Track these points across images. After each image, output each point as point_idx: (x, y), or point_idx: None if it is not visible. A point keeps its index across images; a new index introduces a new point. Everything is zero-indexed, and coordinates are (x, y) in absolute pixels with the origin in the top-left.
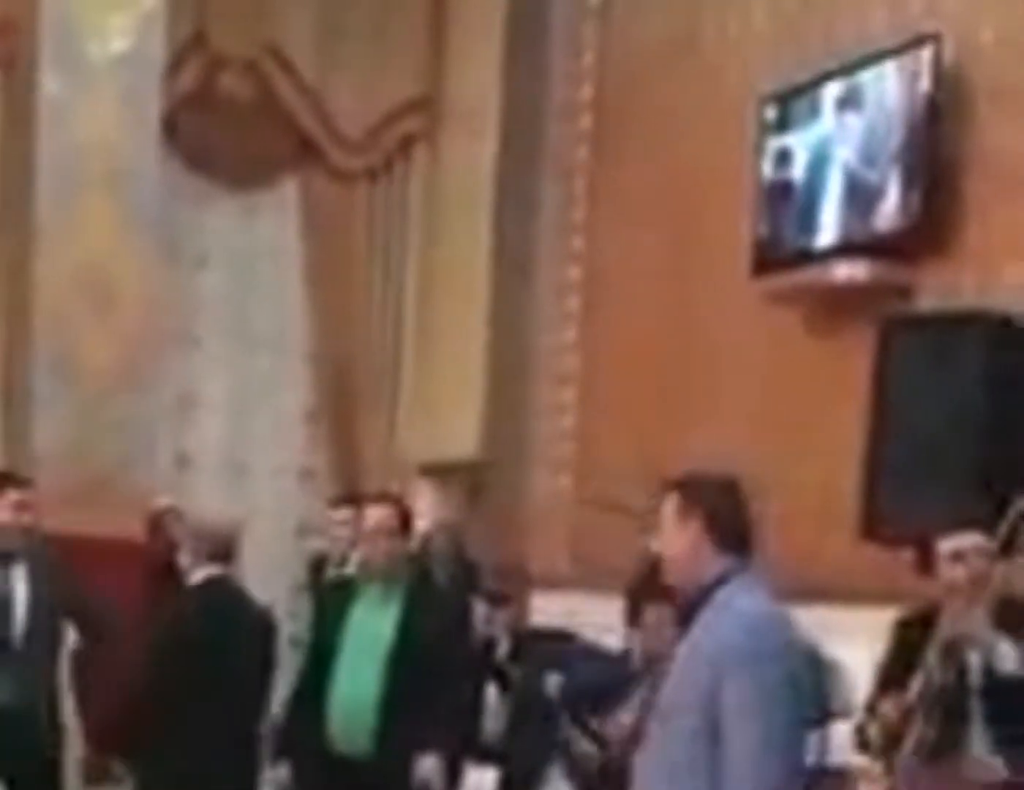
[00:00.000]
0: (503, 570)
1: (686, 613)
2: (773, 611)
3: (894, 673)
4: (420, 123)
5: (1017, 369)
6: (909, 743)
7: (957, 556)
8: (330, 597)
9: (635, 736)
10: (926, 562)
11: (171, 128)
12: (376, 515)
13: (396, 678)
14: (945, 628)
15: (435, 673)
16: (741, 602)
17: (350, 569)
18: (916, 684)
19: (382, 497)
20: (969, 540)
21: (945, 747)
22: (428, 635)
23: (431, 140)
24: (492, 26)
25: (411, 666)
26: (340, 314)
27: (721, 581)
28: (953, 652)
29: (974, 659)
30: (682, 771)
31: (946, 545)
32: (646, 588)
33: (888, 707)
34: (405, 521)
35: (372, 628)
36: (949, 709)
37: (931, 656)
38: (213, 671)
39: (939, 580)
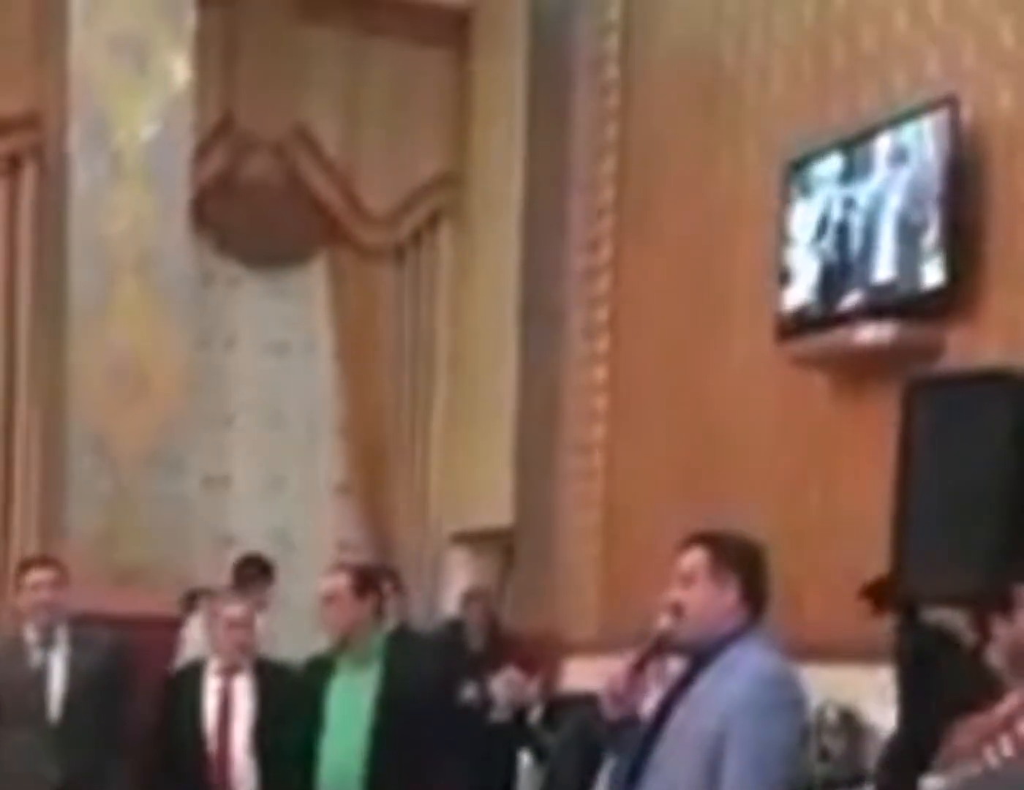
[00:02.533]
0: (536, 637)
1: (691, 668)
2: (781, 667)
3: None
4: (446, 199)
5: None
6: None
7: None
8: (310, 675)
9: None
10: (880, 606)
11: (200, 211)
12: (327, 584)
13: (381, 746)
14: None
15: (421, 734)
16: (751, 659)
17: None
18: (1000, 753)
19: (334, 566)
20: None
21: None
22: (410, 695)
23: (457, 216)
24: (514, 101)
25: (395, 732)
26: (370, 389)
27: (732, 638)
28: None
29: None
30: None
31: None
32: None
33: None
34: (363, 585)
35: (352, 699)
36: None
37: None
38: None
39: (1013, 629)
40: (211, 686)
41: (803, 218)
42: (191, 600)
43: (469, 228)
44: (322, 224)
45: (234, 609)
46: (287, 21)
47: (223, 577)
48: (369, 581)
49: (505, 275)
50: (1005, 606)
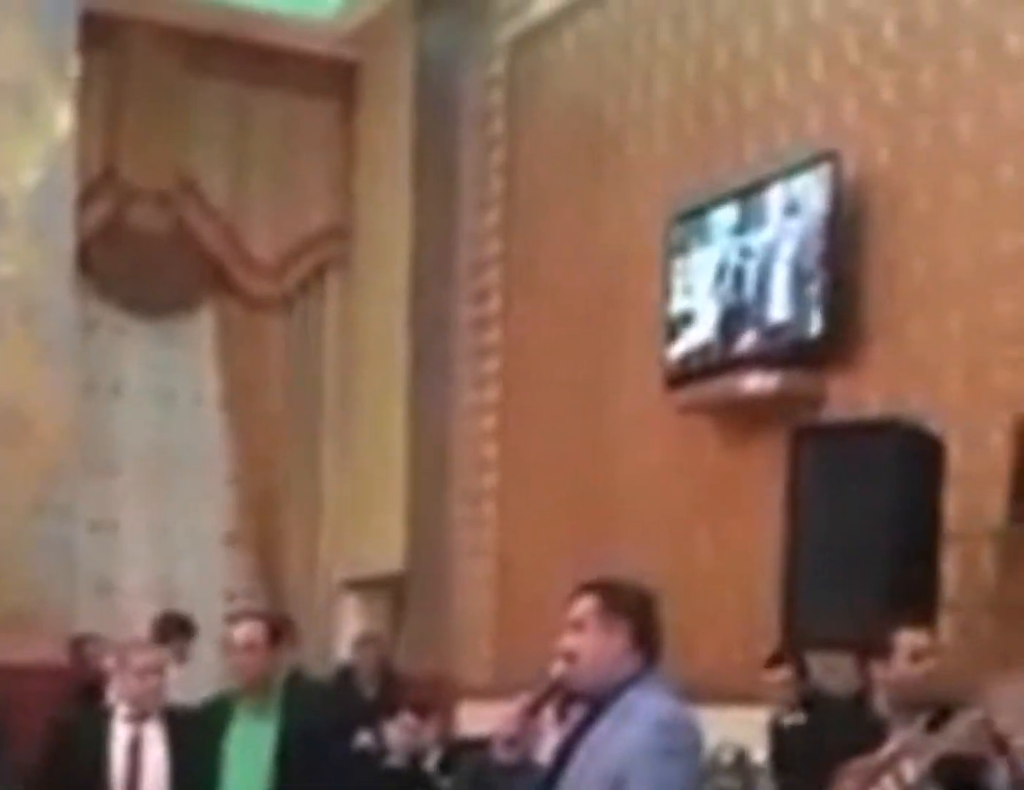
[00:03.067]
0: (430, 682)
1: (590, 713)
2: (679, 711)
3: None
4: (333, 250)
5: (927, 474)
6: None
7: (918, 655)
8: (214, 715)
9: None
10: (865, 667)
11: (85, 259)
12: (243, 632)
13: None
14: (926, 742)
15: (319, 781)
16: (648, 704)
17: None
18: None
19: (246, 613)
20: (927, 640)
21: None
22: (307, 742)
23: (345, 267)
24: (401, 154)
25: (293, 779)
26: (259, 438)
27: (628, 684)
28: (946, 769)
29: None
30: None
31: (909, 641)
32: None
33: None
34: (273, 634)
35: (251, 746)
36: None
37: (912, 769)
38: None
39: (893, 674)
40: (119, 734)
41: (687, 271)
42: (77, 647)
43: (357, 279)
44: (209, 273)
45: (145, 657)
46: (172, 70)
47: (107, 624)
48: (281, 630)
49: (393, 326)
50: (884, 652)
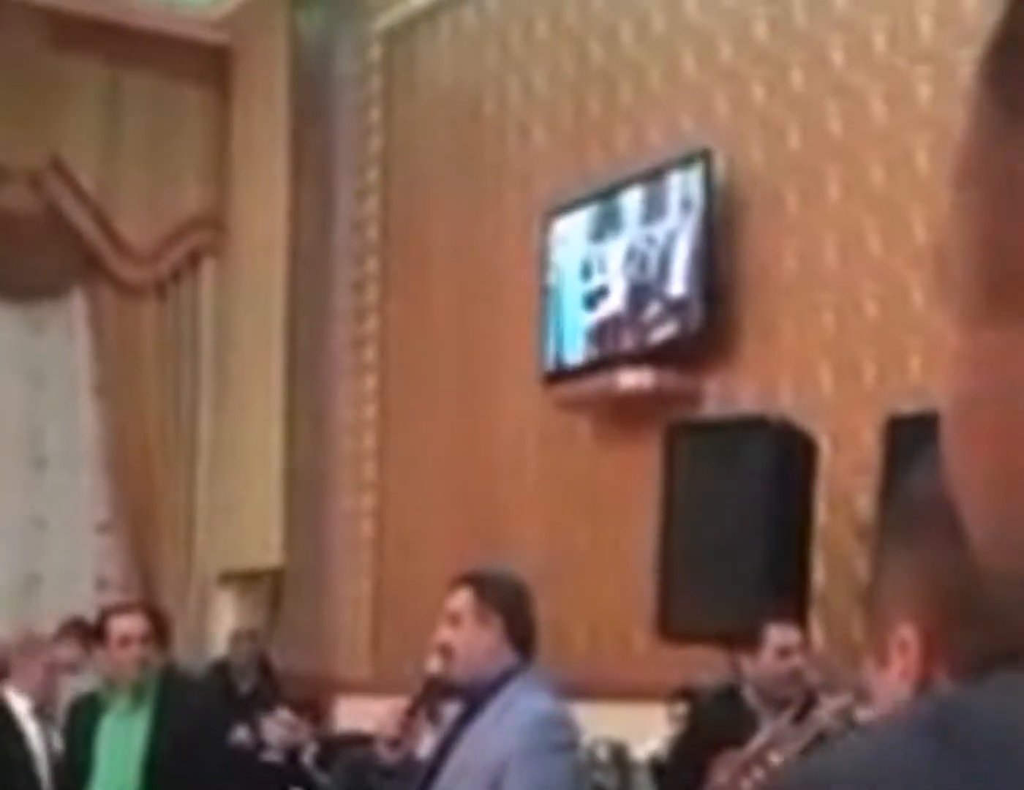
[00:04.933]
0: (307, 677)
1: (467, 710)
2: (557, 709)
3: (693, 754)
4: (207, 238)
5: (798, 471)
6: None
7: (785, 651)
8: (76, 715)
9: None
10: (735, 661)
11: None
12: (126, 625)
13: (152, 788)
14: (792, 733)
15: (193, 776)
16: (526, 700)
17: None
18: (755, 784)
19: (128, 606)
20: (795, 636)
21: None
22: (181, 737)
23: (219, 254)
24: (277, 141)
25: (167, 774)
26: (132, 426)
27: (505, 679)
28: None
29: None
30: None
31: (777, 637)
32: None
33: None
34: (159, 628)
35: (122, 741)
36: None
37: (777, 760)
38: None
39: (761, 668)
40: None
41: (563, 266)
42: None
43: (232, 267)
44: (80, 258)
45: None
46: (42, 50)
47: None
48: (163, 624)
49: (269, 314)
50: (752, 646)
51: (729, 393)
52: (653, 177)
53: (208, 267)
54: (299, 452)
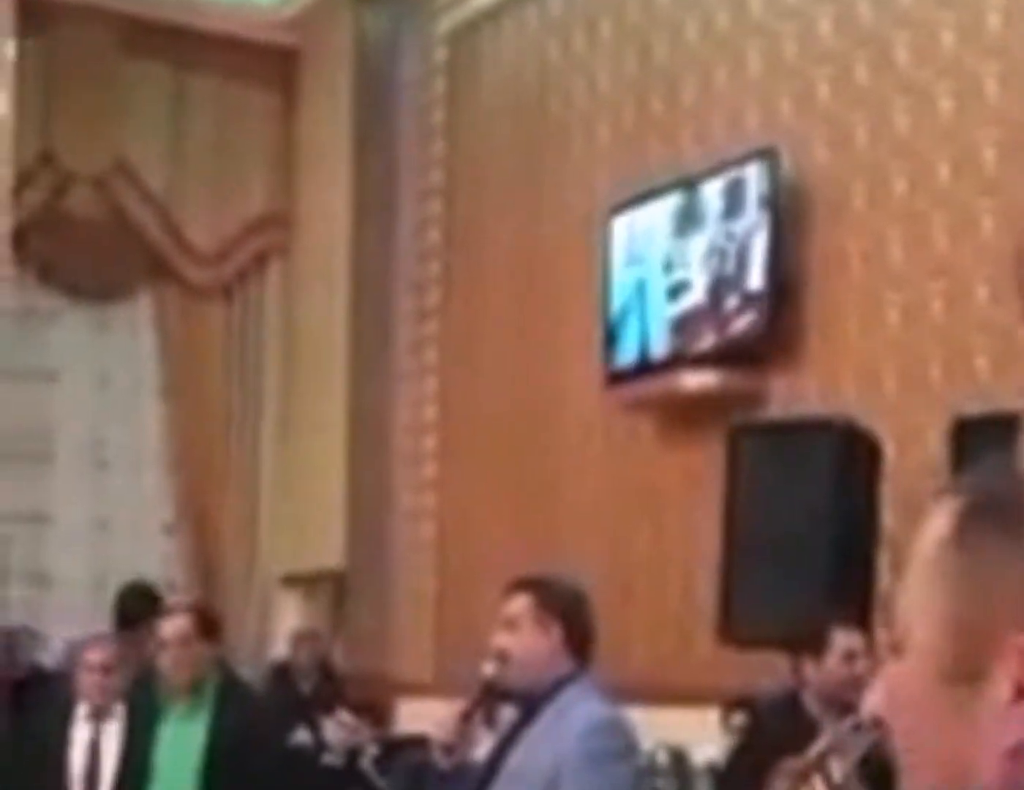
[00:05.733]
0: (368, 679)
1: (523, 715)
2: (614, 715)
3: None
4: (273, 238)
5: (863, 473)
6: None
7: (850, 656)
8: (139, 717)
9: None
10: (798, 666)
11: (21, 243)
12: (174, 626)
13: None
14: (853, 739)
15: (252, 780)
16: (583, 706)
17: None
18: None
19: (179, 606)
20: (860, 641)
21: None
22: (239, 744)
23: (284, 255)
24: (341, 142)
25: (226, 779)
26: (198, 427)
27: (562, 685)
28: (871, 765)
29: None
30: None
31: (842, 642)
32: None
33: None
34: (207, 628)
35: (182, 746)
36: None
37: (838, 768)
38: None
39: (825, 674)
40: (79, 734)
41: (628, 264)
42: (6, 641)
43: (297, 267)
44: (147, 259)
45: (94, 654)
46: (109, 54)
47: (40, 617)
48: (213, 623)
49: (334, 316)
50: (816, 650)
51: (793, 393)
52: (714, 174)
53: (274, 268)
54: (361, 454)
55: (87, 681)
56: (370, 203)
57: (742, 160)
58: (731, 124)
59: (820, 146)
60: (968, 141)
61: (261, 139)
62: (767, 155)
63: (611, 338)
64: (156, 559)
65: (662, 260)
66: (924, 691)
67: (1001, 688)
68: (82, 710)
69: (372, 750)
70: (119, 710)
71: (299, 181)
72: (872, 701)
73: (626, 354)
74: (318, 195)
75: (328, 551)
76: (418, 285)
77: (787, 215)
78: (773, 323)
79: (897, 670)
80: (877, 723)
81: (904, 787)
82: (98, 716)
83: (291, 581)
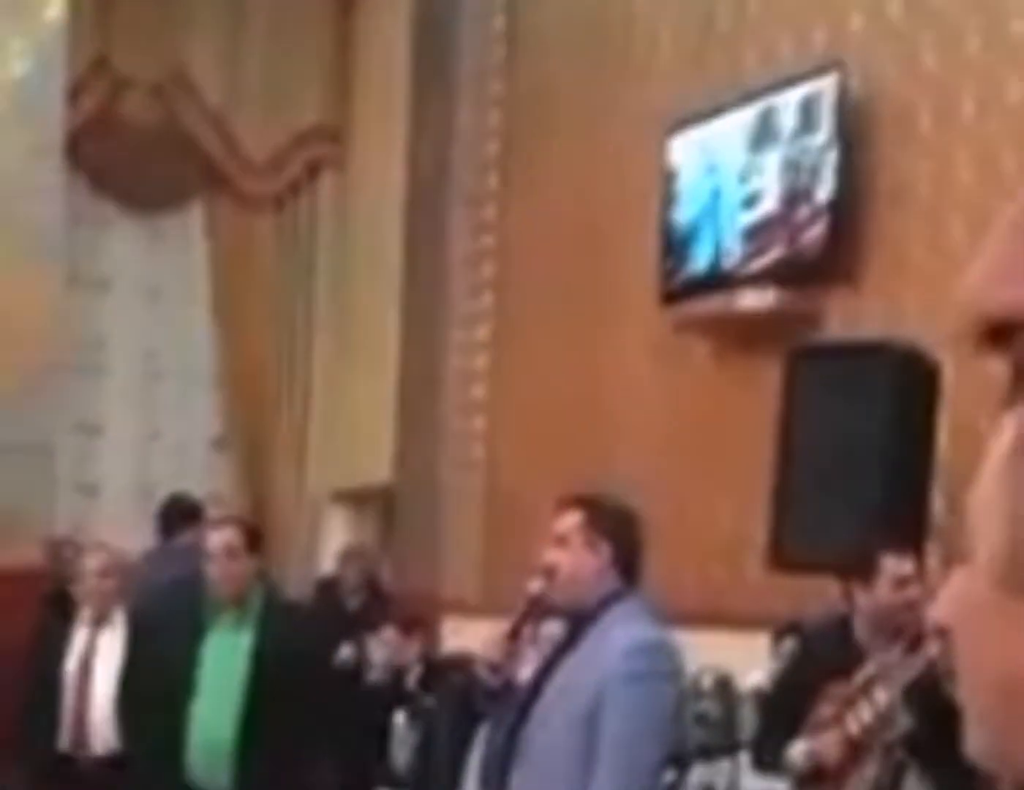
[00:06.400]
0: (415, 597)
1: (568, 635)
2: (659, 636)
3: (800, 686)
4: (327, 149)
5: (921, 399)
6: (857, 785)
7: (901, 582)
8: (181, 626)
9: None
10: (849, 591)
11: (74, 151)
12: (221, 538)
13: (255, 710)
14: (900, 665)
15: (296, 695)
16: (628, 626)
17: None
18: (859, 718)
19: (225, 519)
20: (911, 566)
21: None
22: (283, 657)
23: (339, 166)
24: (397, 53)
25: (270, 693)
26: (248, 340)
27: (608, 604)
28: (918, 692)
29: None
30: (556, 787)
31: (893, 567)
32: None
33: (828, 738)
34: (252, 540)
35: (226, 659)
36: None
37: (884, 694)
38: None
39: (875, 599)
40: (78, 638)
41: (687, 182)
42: (54, 550)
43: (351, 180)
44: (200, 169)
45: (92, 559)
46: None
47: (88, 528)
48: (258, 537)
49: (388, 230)
50: (866, 576)
51: (854, 316)
52: (780, 90)
53: (327, 179)
54: (412, 372)
55: (85, 587)
56: (427, 113)
57: (808, 76)
58: (797, 40)
59: (888, 64)
60: None
61: (317, 50)
62: (835, 69)
63: (682, 247)
64: (204, 473)
65: (738, 171)
66: (986, 601)
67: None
68: (85, 615)
69: (417, 669)
70: (119, 617)
71: (355, 93)
72: (936, 609)
73: (698, 262)
74: (374, 105)
75: (377, 468)
76: (475, 198)
77: (854, 133)
78: (835, 242)
79: (961, 578)
80: (940, 633)
81: (963, 708)
82: (97, 622)
83: (340, 497)
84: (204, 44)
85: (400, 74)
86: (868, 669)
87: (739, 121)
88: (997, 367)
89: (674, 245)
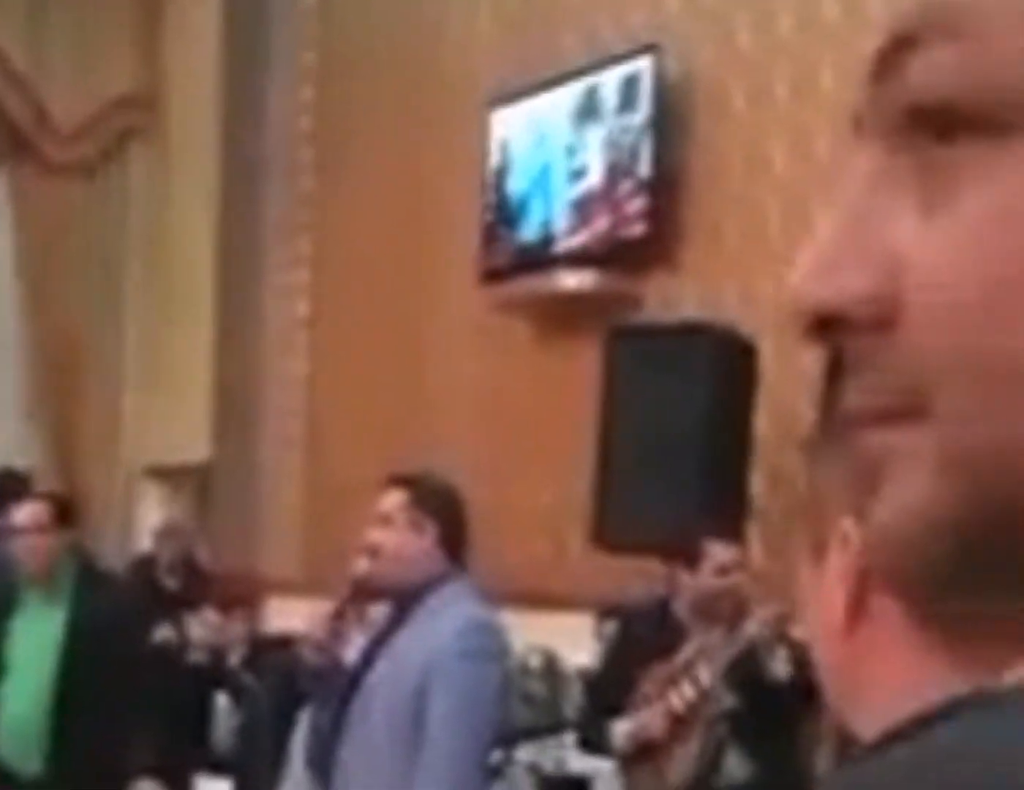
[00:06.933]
0: (235, 576)
1: (394, 615)
2: (487, 615)
3: (622, 667)
4: (137, 117)
5: (739, 381)
6: (681, 761)
7: (724, 569)
8: None
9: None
10: (672, 574)
11: None
12: (27, 513)
13: (67, 689)
14: (721, 645)
15: (112, 675)
16: (456, 606)
17: None
18: (682, 696)
19: (33, 494)
20: (734, 553)
21: (706, 770)
22: (99, 634)
23: (150, 135)
24: (210, 19)
25: (84, 673)
26: (57, 309)
27: (435, 584)
28: (739, 670)
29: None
30: (382, 768)
31: (717, 553)
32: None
33: (651, 715)
34: (62, 514)
35: (37, 636)
36: (730, 730)
37: (706, 672)
38: None
39: (698, 584)
40: None
41: (505, 159)
42: None
43: (163, 149)
44: (5, 137)
45: None
46: None
47: None
48: (69, 511)
49: (201, 199)
50: (691, 559)
51: (672, 297)
52: (597, 70)
53: (138, 149)
54: (229, 346)
55: None
56: (240, 86)
57: (625, 57)
58: (615, 21)
59: (704, 46)
60: (853, 46)
61: (127, 14)
62: (651, 51)
63: (512, 218)
64: (13, 445)
65: (540, 156)
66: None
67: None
68: None
69: (239, 649)
70: None
71: (166, 62)
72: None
73: (501, 253)
74: (186, 76)
75: (194, 445)
76: (290, 170)
77: (670, 114)
78: (654, 224)
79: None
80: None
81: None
82: None
83: (156, 473)
84: (8, 9)
85: (212, 44)
86: (690, 648)
87: (564, 96)
88: (813, 357)
89: (503, 218)
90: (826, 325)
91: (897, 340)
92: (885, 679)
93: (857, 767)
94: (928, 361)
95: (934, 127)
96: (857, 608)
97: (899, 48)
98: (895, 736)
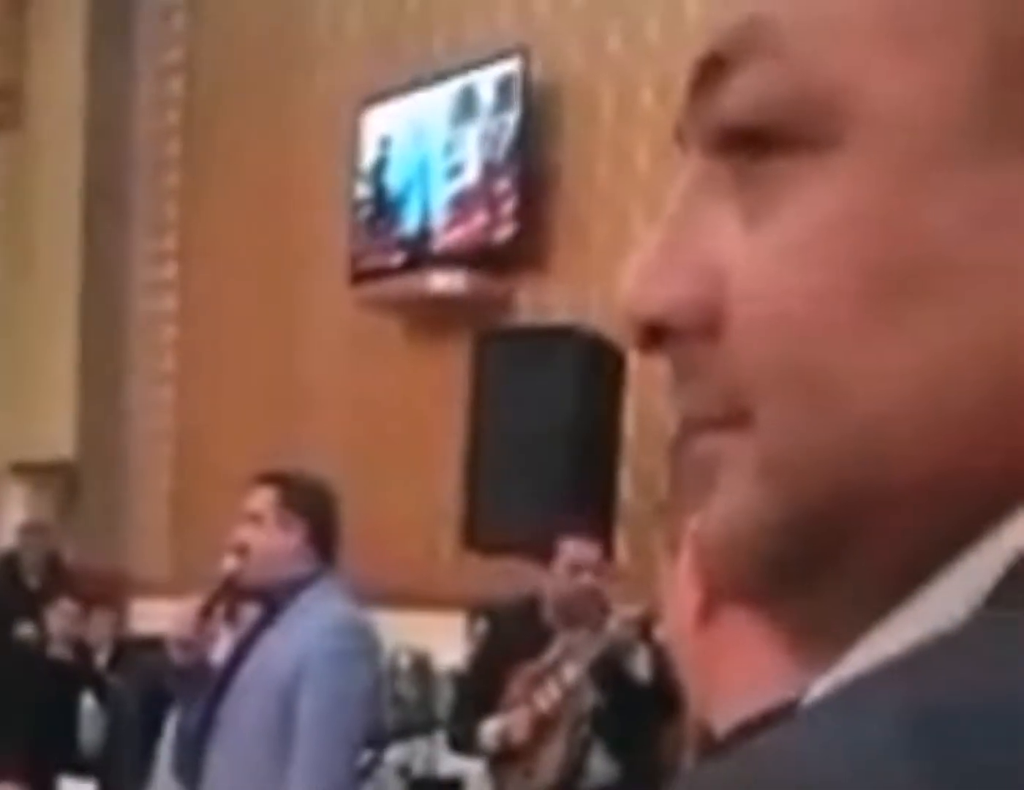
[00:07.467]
0: (101, 576)
1: (264, 615)
2: (356, 615)
3: (492, 667)
4: (1, 107)
5: (607, 384)
6: (547, 763)
7: (577, 567)
8: None
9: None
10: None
11: None
12: None
13: None
14: (586, 645)
15: None
16: (325, 606)
17: None
18: (548, 696)
19: None
20: (589, 552)
21: (571, 772)
22: None
23: (14, 125)
24: (75, 11)
25: None
26: None
27: (304, 583)
28: (602, 669)
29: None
30: (252, 769)
31: (571, 552)
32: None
33: (516, 716)
34: None
35: None
36: (593, 729)
37: (571, 671)
38: None
39: (553, 580)
40: None
41: (377, 160)
42: None
43: (27, 140)
44: None
45: None
46: None
47: None
48: None
49: (66, 192)
50: (546, 559)
51: (541, 300)
52: (466, 71)
53: (2, 139)
54: (94, 341)
55: None
56: (106, 76)
57: (493, 60)
58: (485, 24)
59: (573, 50)
60: None
61: None
62: (519, 53)
63: (356, 236)
64: None
65: (411, 157)
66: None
67: (682, 574)
68: None
69: (106, 648)
70: None
71: (31, 51)
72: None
73: (372, 253)
74: (51, 66)
75: (59, 441)
76: (156, 165)
77: (539, 117)
78: (523, 227)
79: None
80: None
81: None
82: None
83: (19, 470)
84: None
85: (77, 36)
86: (556, 648)
87: (441, 95)
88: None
89: (381, 212)
90: (655, 333)
91: (722, 349)
92: (735, 676)
93: (702, 767)
94: (751, 370)
95: (746, 148)
96: (708, 607)
97: (711, 66)
98: (742, 732)
